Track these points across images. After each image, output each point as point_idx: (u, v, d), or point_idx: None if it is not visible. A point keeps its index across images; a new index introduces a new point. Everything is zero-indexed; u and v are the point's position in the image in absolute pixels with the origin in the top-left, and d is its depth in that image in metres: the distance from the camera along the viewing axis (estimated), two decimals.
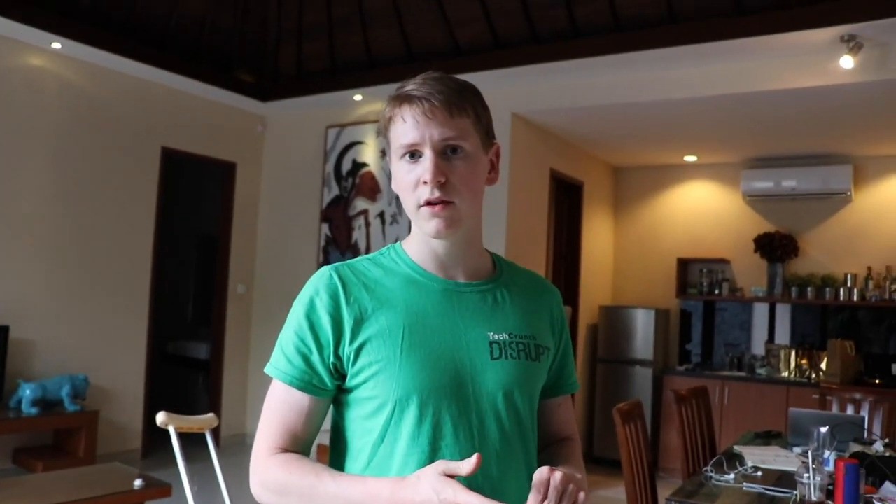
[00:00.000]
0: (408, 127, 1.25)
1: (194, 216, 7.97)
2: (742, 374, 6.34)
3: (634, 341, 6.62)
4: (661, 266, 7.06)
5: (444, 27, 5.46)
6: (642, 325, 6.60)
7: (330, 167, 6.64)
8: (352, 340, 1.27)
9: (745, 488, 2.87)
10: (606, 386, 6.74)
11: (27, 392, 4.94)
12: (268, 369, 1.32)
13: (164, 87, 6.16)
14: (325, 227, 6.61)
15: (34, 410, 4.93)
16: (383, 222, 6.21)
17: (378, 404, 1.27)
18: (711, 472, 3.05)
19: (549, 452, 1.46)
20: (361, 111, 6.47)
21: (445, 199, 1.26)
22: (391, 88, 5.05)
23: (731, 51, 4.67)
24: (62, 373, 5.34)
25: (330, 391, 1.30)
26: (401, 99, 1.28)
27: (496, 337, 1.32)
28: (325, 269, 1.34)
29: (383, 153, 6.20)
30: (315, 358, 1.28)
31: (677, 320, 6.95)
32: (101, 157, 5.80)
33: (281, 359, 1.31)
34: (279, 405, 1.30)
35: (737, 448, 3.54)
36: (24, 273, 5.31)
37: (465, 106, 1.28)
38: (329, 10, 5.91)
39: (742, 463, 3.22)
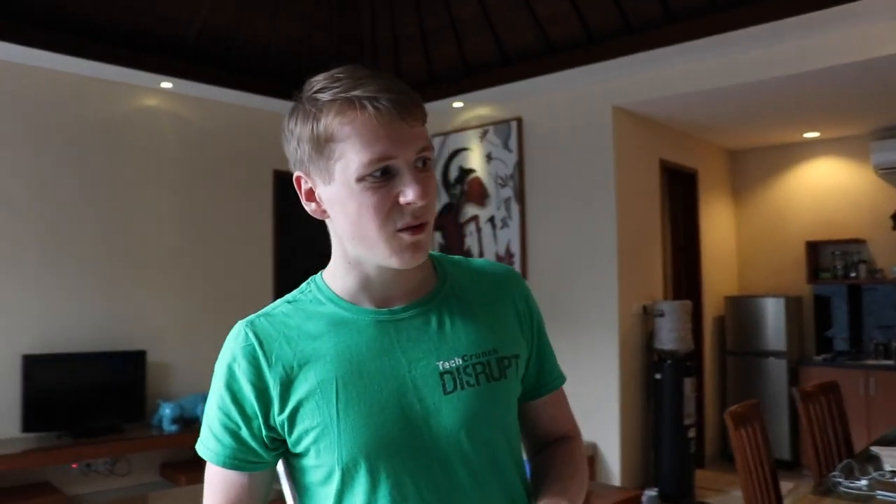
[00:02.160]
0: (375, 137, 1.02)
1: (314, 235, 8.18)
2: (890, 362, 5.89)
3: (765, 332, 6.30)
4: (788, 251, 6.69)
5: (535, 27, 5.38)
6: (772, 315, 6.27)
7: (438, 175, 6.67)
8: (281, 409, 1.09)
9: (879, 497, 2.56)
10: (738, 379, 6.45)
11: (167, 411, 5.24)
12: (198, 447, 1.16)
13: (270, 112, 6.36)
14: (438, 236, 6.65)
15: (174, 428, 5.22)
16: (494, 227, 6.18)
17: (325, 473, 1.11)
18: (840, 476, 2.81)
19: (542, 460, 1.27)
20: (463, 118, 6.47)
21: (425, 221, 1.08)
22: (490, 93, 4.98)
23: (848, 15, 4.34)
24: (196, 392, 5.62)
25: (269, 462, 1.15)
26: (352, 104, 1.04)
27: (447, 365, 1.12)
28: (239, 325, 1.17)
29: (489, 157, 6.18)
30: (245, 433, 1.11)
31: (811, 307, 6.56)
32: (217, 185, 6.05)
33: (209, 437, 1.14)
34: (218, 484, 1.15)
35: (874, 449, 3.19)
36: (156, 302, 5.61)
37: (423, 110, 1.09)
38: (421, 23, 5.94)
39: (879, 467, 2.88)
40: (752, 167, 7.03)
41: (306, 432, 1.09)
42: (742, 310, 6.46)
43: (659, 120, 5.97)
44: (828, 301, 6.51)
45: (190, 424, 5.38)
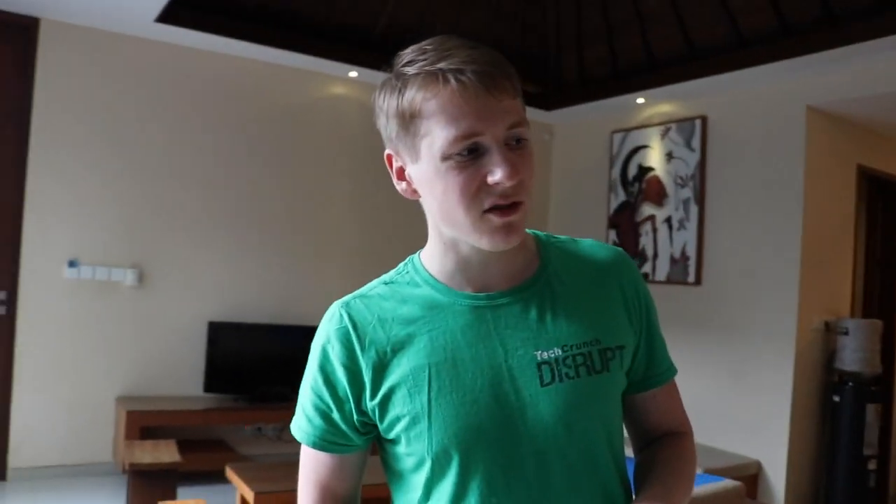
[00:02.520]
0: (461, 113, 0.97)
1: None
2: None
3: None
4: None
5: (725, 19, 5.12)
6: None
7: (616, 173, 6.53)
8: (373, 394, 1.07)
9: None
10: None
11: None
12: (291, 427, 1.17)
13: None
14: (613, 234, 6.52)
15: None
16: (670, 228, 5.97)
17: (416, 462, 1.08)
18: None
19: (647, 457, 1.19)
20: (645, 114, 6.29)
21: (517, 201, 1.01)
22: (675, 89, 4.77)
23: None
24: None
25: (361, 446, 1.14)
26: (435, 77, 0.98)
27: (545, 356, 1.06)
28: (335, 306, 1.14)
29: (670, 156, 5.98)
30: (336, 415, 1.10)
31: None
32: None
33: (302, 417, 1.14)
34: (311, 464, 1.16)
35: None
36: (331, 280, 5.88)
37: (516, 81, 1.02)
38: (606, 15, 5.83)
39: None
40: None
41: (397, 420, 1.06)
42: None
43: (859, 122, 5.52)
44: None
45: None
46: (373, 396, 1.08)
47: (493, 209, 1.01)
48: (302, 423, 1.14)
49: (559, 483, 1.05)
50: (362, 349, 1.08)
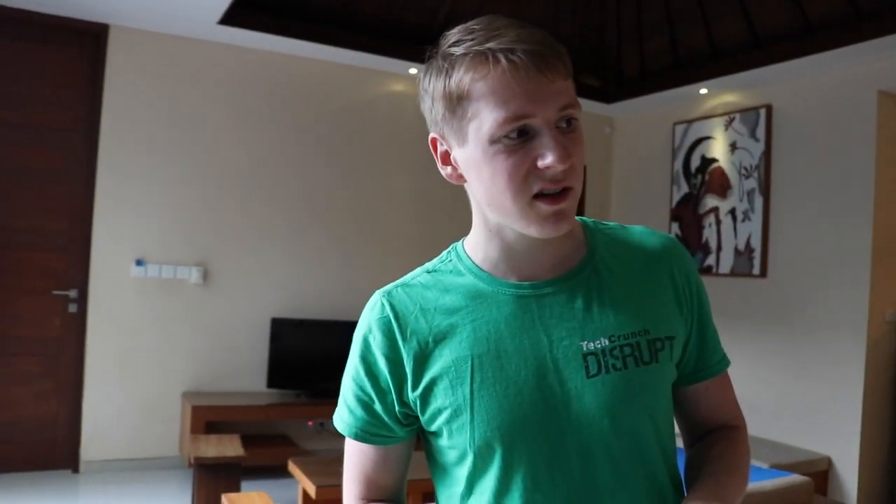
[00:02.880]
0: (511, 94, 0.93)
1: None
2: None
3: None
4: None
5: (791, 4, 4.98)
6: None
7: (678, 164, 6.42)
8: (414, 385, 1.05)
9: None
10: None
11: None
12: (334, 418, 1.16)
13: None
14: (675, 227, 6.41)
15: None
16: (734, 220, 5.84)
17: (458, 455, 1.05)
18: None
19: (698, 451, 1.14)
20: (708, 105, 6.16)
21: (568, 186, 0.97)
22: (738, 78, 4.69)
23: None
24: None
25: (403, 438, 1.11)
26: (484, 57, 0.94)
27: (592, 346, 1.02)
28: (377, 296, 1.12)
29: (733, 147, 5.85)
30: (378, 406, 1.08)
31: None
32: None
33: (343, 408, 1.13)
34: (354, 455, 1.14)
35: None
36: (391, 276, 5.71)
37: (568, 62, 0.98)
38: (667, 5, 5.72)
39: None
40: None
41: (439, 412, 1.04)
42: None
43: None
44: None
45: None
46: (414, 388, 1.05)
47: (543, 196, 0.97)
48: (344, 415, 1.13)
49: (605, 477, 1.01)
50: (404, 339, 1.06)
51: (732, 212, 5.86)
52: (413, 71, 5.91)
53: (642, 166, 6.81)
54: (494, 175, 0.98)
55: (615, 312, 1.04)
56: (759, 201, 5.60)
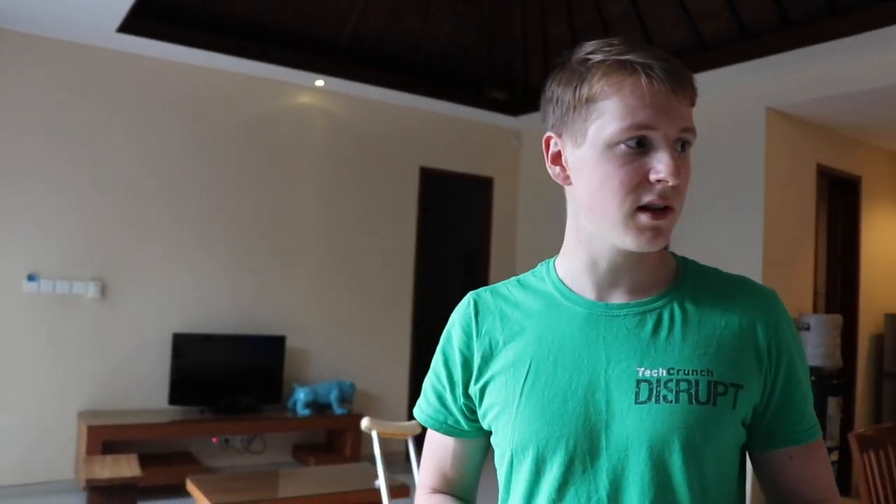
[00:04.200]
0: (641, 104, 0.96)
1: (458, 231, 8.27)
2: None
3: None
4: None
5: (686, 23, 5.18)
6: None
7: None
8: (477, 380, 1.10)
9: None
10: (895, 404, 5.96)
11: (301, 395, 5.46)
12: (415, 409, 1.22)
13: (419, 110, 6.48)
14: None
15: (307, 412, 5.44)
16: None
17: (500, 453, 1.09)
18: None
19: None
20: None
21: (671, 206, 0.99)
22: None
23: None
24: (332, 379, 5.82)
25: (470, 433, 1.16)
26: (630, 67, 0.98)
27: (648, 373, 1.01)
28: (468, 295, 1.18)
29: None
30: (448, 397, 1.15)
31: None
32: (364, 181, 6.23)
33: (422, 396, 1.20)
34: (430, 444, 1.21)
35: None
36: (299, 290, 5.86)
37: (695, 92, 1.01)
38: (571, 21, 5.86)
39: None
40: None
41: (491, 407, 1.09)
42: None
43: (818, 122, 5.59)
44: None
45: (322, 410, 5.58)
46: (477, 381, 1.11)
47: (647, 209, 0.98)
48: (422, 403, 1.20)
49: None
50: (478, 336, 1.12)
51: None
52: (320, 83, 5.87)
53: (548, 178, 6.79)
54: (605, 179, 0.99)
55: (682, 347, 1.03)
56: None
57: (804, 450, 1.07)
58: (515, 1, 6.02)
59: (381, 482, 3.19)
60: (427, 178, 6.64)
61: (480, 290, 1.18)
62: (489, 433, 1.14)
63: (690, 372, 1.01)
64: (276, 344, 5.59)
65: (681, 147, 0.99)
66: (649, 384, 1.00)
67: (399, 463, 5.56)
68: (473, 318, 1.13)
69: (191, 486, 3.53)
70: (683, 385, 1.00)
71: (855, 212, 6.02)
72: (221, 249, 5.57)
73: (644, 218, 0.98)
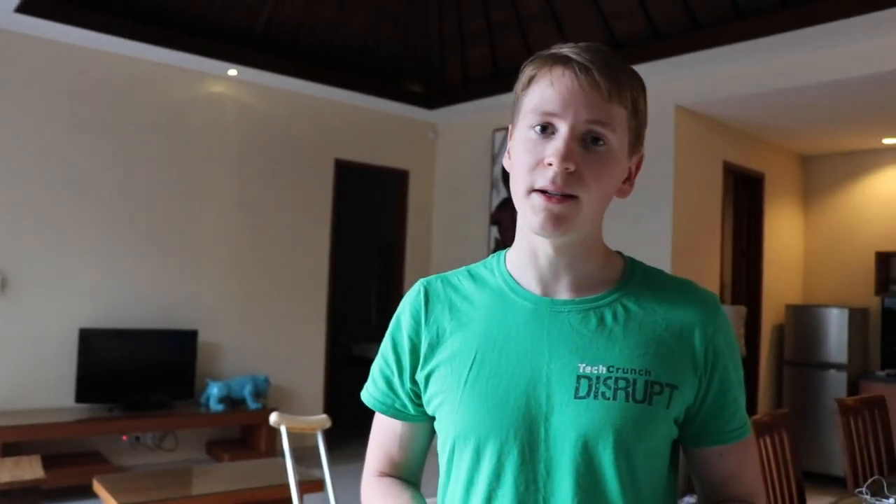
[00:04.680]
0: (552, 92, 1.01)
1: (374, 224, 8.26)
2: None
3: (827, 343, 6.07)
4: (856, 261, 6.42)
5: (600, 22, 5.28)
6: (835, 326, 6.03)
7: (498, 170, 6.63)
8: (423, 366, 1.13)
9: None
10: (795, 391, 6.23)
11: (214, 390, 5.36)
12: (362, 392, 1.23)
13: (335, 102, 6.43)
14: (495, 230, 6.62)
15: (220, 407, 5.35)
16: None
17: (443, 439, 1.12)
18: (866, 493, 2.71)
19: None
20: None
21: (567, 193, 1.01)
22: None
23: None
24: (245, 373, 5.74)
25: (417, 417, 1.18)
26: (553, 59, 1.04)
27: (588, 370, 1.04)
28: (418, 282, 1.20)
29: None
30: (396, 382, 1.17)
31: (878, 320, 6.28)
32: (278, 173, 6.15)
33: (370, 380, 1.22)
34: (376, 428, 1.23)
35: None
36: (211, 283, 5.75)
37: (626, 93, 1.03)
38: (487, 16, 5.90)
39: None
40: (825, 173, 6.77)
41: (435, 395, 1.11)
42: (803, 319, 6.24)
43: (725, 121, 5.79)
44: None
45: (236, 405, 5.50)
46: (423, 368, 1.13)
47: (540, 191, 1.02)
48: (369, 386, 1.22)
49: (565, 498, 1.03)
50: (426, 324, 1.14)
51: None
52: (232, 73, 5.76)
53: (464, 171, 6.98)
54: (515, 162, 1.06)
55: (623, 346, 1.06)
56: None
57: (734, 448, 1.12)
58: None
59: (290, 477, 3.17)
60: (342, 170, 6.60)
61: (431, 278, 1.19)
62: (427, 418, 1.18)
63: (629, 371, 1.04)
64: (188, 338, 5.47)
65: (592, 140, 1.02)
66: (589, 380, 1.03)
67: (313, 458, 5.50)
68: (423, 306, 1.15)
69: (97, 487, 3.43)
70: (622, 383, 1.03)
71: (759, 207, 6.27)
72: (131, 242, 5.41)
73: (537, 198, 1.01)
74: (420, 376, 1.13)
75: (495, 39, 6.01)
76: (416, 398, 1.16)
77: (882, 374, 5.94)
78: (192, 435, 5.59)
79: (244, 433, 5.80)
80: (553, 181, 1.00)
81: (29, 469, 3.60)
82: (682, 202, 5.35)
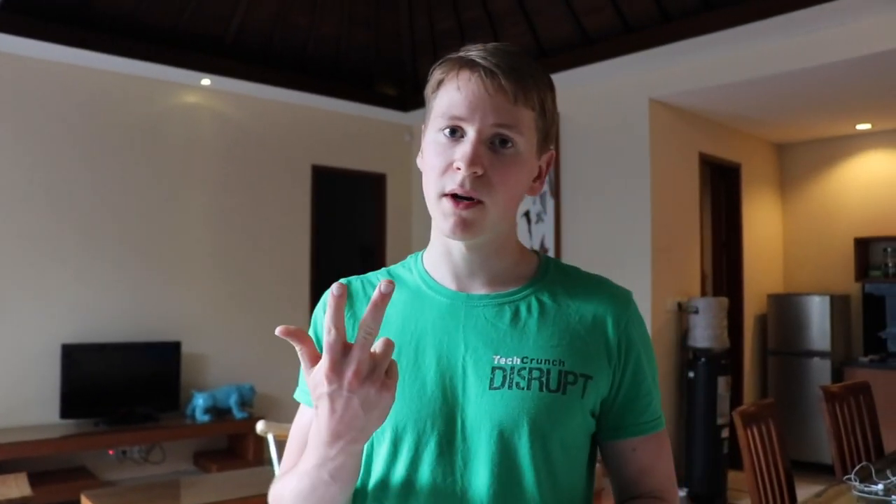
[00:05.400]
0: (459, 97, 1.03)
1: (353, 228, 8.24)
2: None
3: (809, 331, 6.12)
4: (836, 248, 6.48)
5: (570, 18, 5.30)
6: (817, 314, 6.08)
7: None
8: None
9: (894, 502, 2.49)
10: (779, 380, 6.27)
11: (199, 401, 5.33)
12: (296, 391, 1.22)
13: (309, 108, 6.42)
14: None
15: (206, 418, 5.32)
16: (529, 222, 6.11)
17: None
18: (855, 479, 2.73)
19: None
20: None
21: (473, 197, 1.03)
22: None
23: None
24: (230, 383, 5.71)
25: None
26: (460, 63, 1.05)
27: (503, 361, 1.06)
28: (338, 282, 1.16)
29: None
30: None
31: (859, 306, 6.34)
32: (256, 180, 6.13)
33: (301, 378, 1.19)
34: (296, 427, 1.21)
35: None
36: (193, 293, 5.72)
37: (532, 95, 1.05)
38: (458, 16, 5.91)
39: None
40: (801, 161, 6.82)
41: None
42: (785, 308, 6.29)
43: (699, 112, 5.83)
44: (881, 300, 6.27)
45: (222, 415, 5.47)
46: None
47: (450, 196, 1.04)
48: (300, 383, 1.19)
49: (481, 488, 1.04)
50: (346, 319, 1.11)
51: (527, 214, 6.14)
52: (206, 82, 5.74)
53: None
54: (426, 165, 1.08)
55: (537, 338, 1.09)
56: (550, 203, 5.91)
57: (646, 441, 1.14)
58: None
59: None
60: (319, 175, 6.59)
61: (351, 277, 1.20)
62: None
63: (543, 361, 1.07)
64: (171, 350, 5.44)
65: (500, 143, 1.04)
66: (503, 371, 1.06)
67: None
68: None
69: (85, 502, 3.41)
70: (535, 373, 1.06)
71: (736, 198, 6.31)
72: (111, 255, 5.37)
73: (446, 203, 1.04)
74: None
75: (466, 39, 5.97)
76: None
77: (865, 360, 5.98)
78: (178, 447, 5.55)
79: (231, 443, 5.77)
80: (461, 185, 1.02)
81: (16, 487, 3.58)
82: (659, 195, 5.38)
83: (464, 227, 1.04)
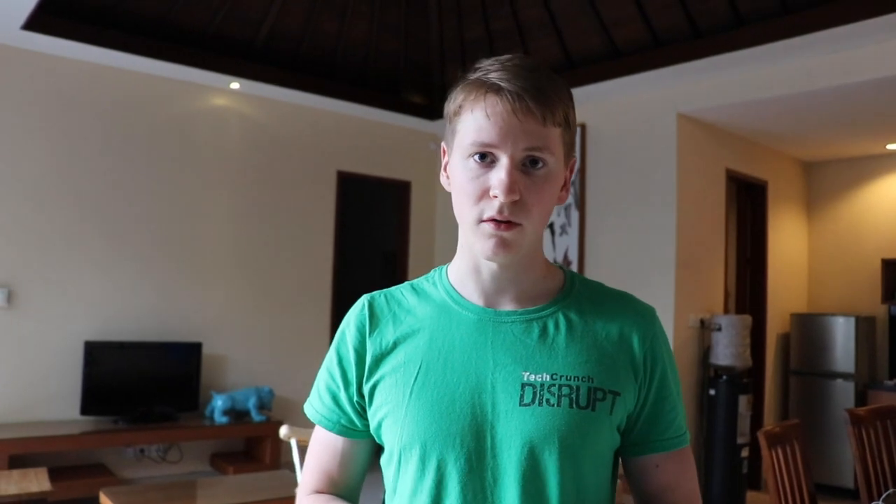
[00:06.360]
0: (488, 124, 1.03)
1: (376, 234, 8.26)
2: None
3: (833, 352, 6.04)
4: (862, 269, 6.40)
5: (600, 30, 5.29)
6: (842, 334, 6.01)
7: None
8: (368, 378, 1.14)
9: None
10: (801, 400, 6.20)
11: (218, 403, 5.36)
12: (305, 407, 1.24)
13: (336, 114, 6.45)
14: None
15: (225, 419, 5.34)
16: (553, 234, 6.10)
17: (388, 452, 1.12)
18: None
19: None
20: None
21: (513, 221, 1.04)
22: None
23: None
24: (250, 385, 5.73)
25: (363, 432, 1.18)
26: (484, 87, 1.05)
27: (532, 378, 1.06)
28: (363, 297, 1.22)
29: None
30: (342, 396, 1.17)
31: (886, 328, 6.25)
32: (281, 184, 6.16)
33: (315, 396, 1.22)
34: (316, 445, 1.22)
35: None
36: (215, 295, 5.75)
37: (558, 112, 1.06)
38: (487, 26, 5.92)
39: None
40: (829, 180, 6.76)
41: (380, 407, 1.11)
42: (809, 328, 6.21)
43: (727, 128, 5.79)
44: None
45: (241, 417, 5.50)
46: (368, 380, 1.14)
47: (489, 220, 1.05)
48: (314, 401, 1.22)
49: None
50: (371, 336, 1.15)
51: (551, 226, 6.12)
52: (235, 86, 5.78)
53: None
54: (460, 190, 1.08)
55: (566, 354, 1.09)
56: (575, 215, 5.89)
57: (671, 457, 1.15)
58: (432, 4, 6.05)
59: None
60: (344, 181, 6.62)
61: (375, 293, 1.21)
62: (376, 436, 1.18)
63: (573, 378, 1.07)
64: (192, 351, 5.47)
65: (531, 164, 1.05)
66: (533, 388, 1.06)
67: None
68: (368, 319, 1.16)
69: (103, 499, 3.42)
70: (565, 390, 1.06)
71: (762, 215, 6.26)
72: (135, 255, 5.42)
73: (487, 227, 1.04)
74: (366, 388, 1.14)
75: (495, 49, 6.02)
76: (363, 411, 1.16)
77: (891, 383, 5.89)
78: (196, 447, 5.58)
79: (248, 445, 5.79)
80: (500, 212, 1.03)
81: (36, 481, 3.60)
82: (684, 211, 5.34)
83: (505, 248, 1.05)
